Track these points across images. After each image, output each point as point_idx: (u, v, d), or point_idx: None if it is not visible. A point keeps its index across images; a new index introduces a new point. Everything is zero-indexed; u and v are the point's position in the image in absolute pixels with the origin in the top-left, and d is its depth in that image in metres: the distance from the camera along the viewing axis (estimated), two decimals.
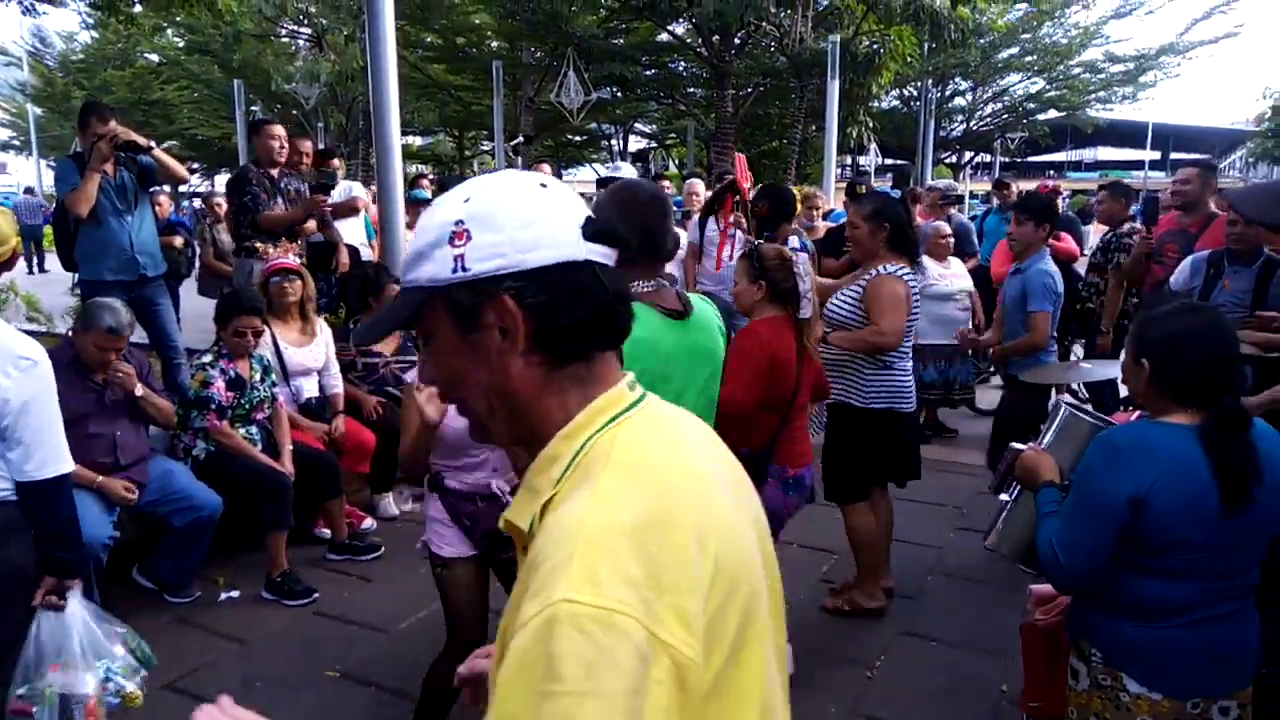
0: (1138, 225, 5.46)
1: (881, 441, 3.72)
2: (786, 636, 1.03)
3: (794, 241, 5.39)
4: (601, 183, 6.51)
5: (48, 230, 16.72)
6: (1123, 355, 2.01)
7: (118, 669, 2.72)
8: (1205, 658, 1.83)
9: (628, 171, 6.98)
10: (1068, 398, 4.35)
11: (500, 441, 1.00)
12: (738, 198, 4.99)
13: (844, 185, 11.53)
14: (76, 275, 5.05)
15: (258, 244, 5.16)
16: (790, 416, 3.14)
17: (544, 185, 0.96)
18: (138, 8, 12.01)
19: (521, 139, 8.36)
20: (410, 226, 6.32)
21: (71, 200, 4.54)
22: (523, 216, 0.91)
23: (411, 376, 2.95)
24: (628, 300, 0.97)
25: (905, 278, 3.63)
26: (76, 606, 2.63)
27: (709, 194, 6.54)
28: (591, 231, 0.93)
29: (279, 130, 5.37)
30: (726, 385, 2.99)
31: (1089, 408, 2.85)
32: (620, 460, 0.88)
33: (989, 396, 6.77)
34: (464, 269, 0.90)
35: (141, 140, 4.73)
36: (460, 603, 2.61)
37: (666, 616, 0.76)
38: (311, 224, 5.46)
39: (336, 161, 7.42)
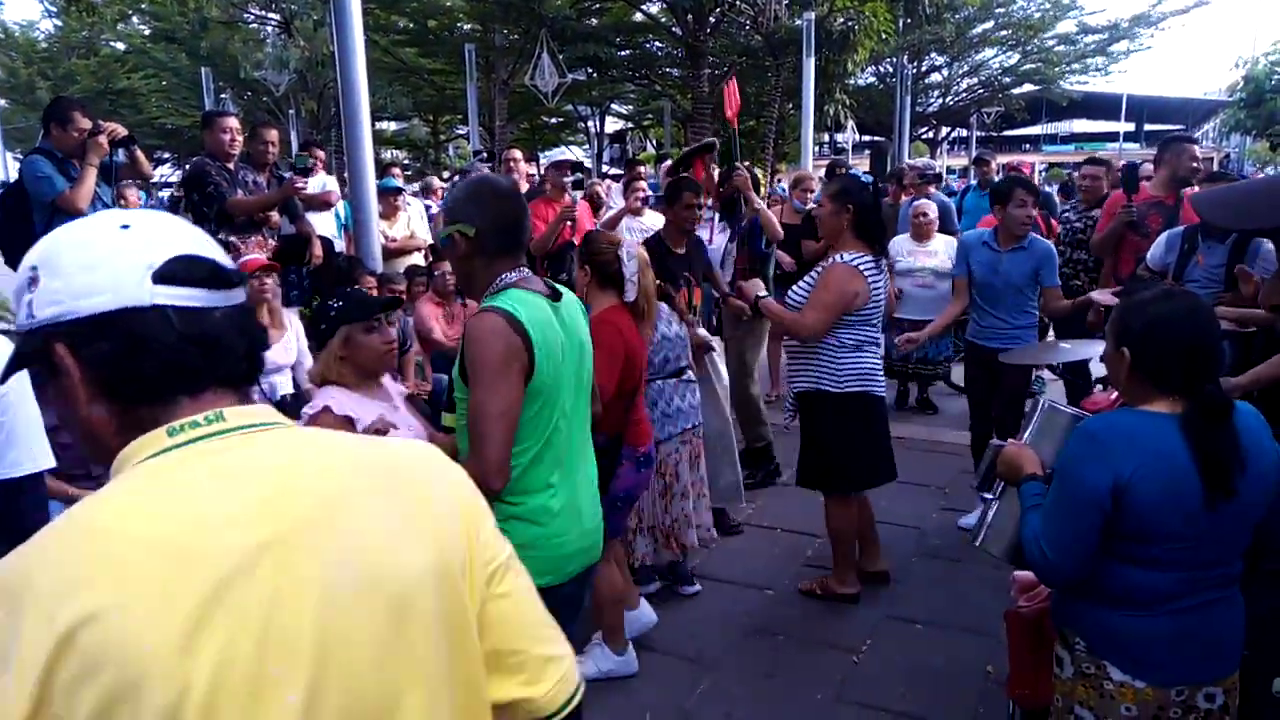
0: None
1: (861, 425, 3.72)
2: None
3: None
4: (557, 166, 6.42)
5: None
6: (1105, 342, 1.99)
7: None
8: (1189, 646, 1.82)
9: (576, 153, 6.91)
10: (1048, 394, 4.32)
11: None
12: (709, 156, 4.98)
13: (824, 164, 11.50)
14: None
15: (231, 238, 5.06)
16: (635, 400, 3.19)
17: (126, 226, 0.92)
18: None
19: (484, 154, 8.26)
20: (383, 216, 6.23)
21: (74, 197, 4.45)
22: (84, 260, 0.89)
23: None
24: (218, 345, 0.92)
25: (863, 268, 3.59)
26: None
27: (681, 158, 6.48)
28: (161, 273, 0.89)
29: (231, 122, 5.24)
30: (596, 374, 3.04)
31: (1067, 403, 2.85)
32: (65, 516, 0.84)
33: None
34: (31, 316, 0.89)
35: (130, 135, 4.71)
36: None
37: None
38: (277, 216, 5.35)
39: (319, 153, 7.28)
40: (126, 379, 0.89)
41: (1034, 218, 4.37)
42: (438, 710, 0.92)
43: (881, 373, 3.81)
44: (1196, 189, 4.89)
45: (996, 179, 7.31)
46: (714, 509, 4.48)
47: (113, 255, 0.89)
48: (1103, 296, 4.17)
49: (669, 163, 7.86)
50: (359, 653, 0.86)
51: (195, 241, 0.95)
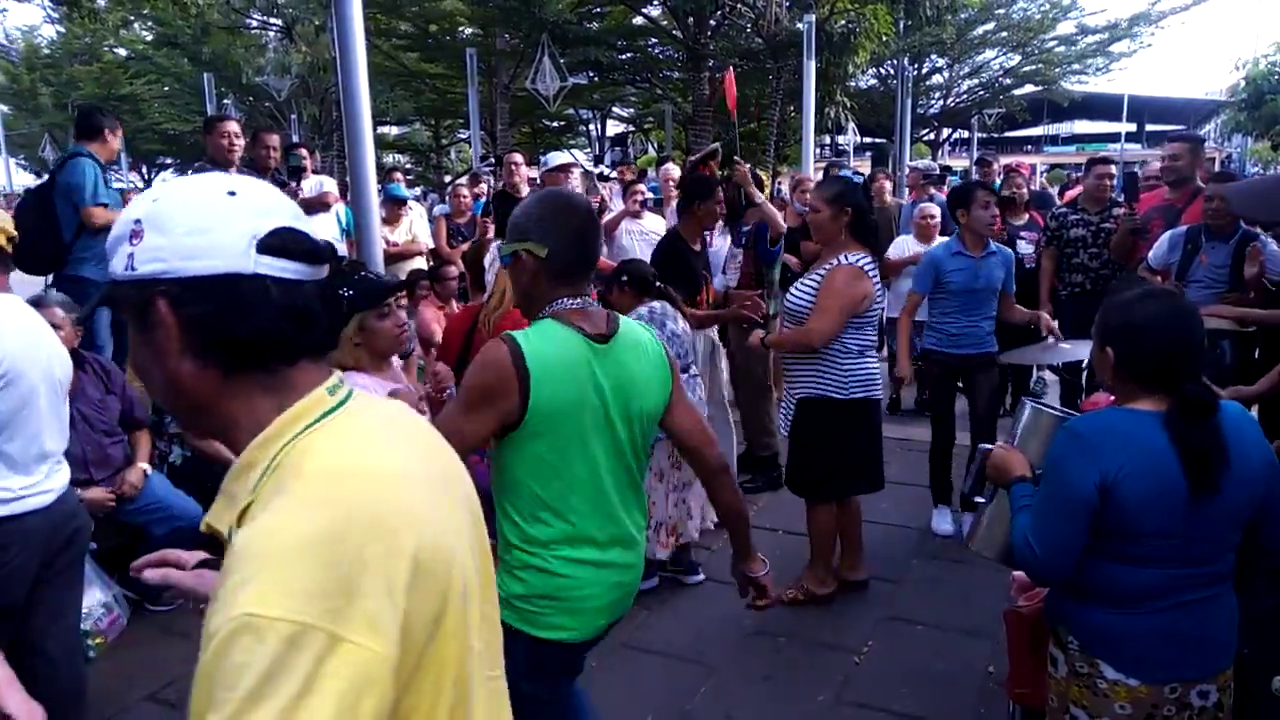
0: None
1: (862, 433, 3.72)
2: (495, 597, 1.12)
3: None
4: (557, 170, 6.43)
5: None
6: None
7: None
8: (1180, 643, 1.83)
9: (579, 156, 6.86)
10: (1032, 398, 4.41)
11: (195, 434, 1.04)
12: (714, 161, 5.08)
13: (824, 166, 11.48)
14: (53, 277, 4.97)
15: None
16: None
17: (233, 193, 0.95)
18: (101, 2, 11.81)
19: (492, 160, 8.20)
20: (386, 221, 6.24)
21: (103, 217, 4.68)
22: (193, 223, 0.92)
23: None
24: (308, 317, 0.97)
25: (866, 268, 3.59)
26: None
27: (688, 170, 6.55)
28: (265, 244, 0.93)
29: (231, 127, 5.26)
30: None
31: (1054, 402, 2.87)
32: (310, 470, 0.90)
33: None
34: (132, 268, 0.93)
35: None
36: None
37: (356, 621, 0.79)
38: None
39: (303, 151, 7.29)
40: (222, 342, 0.93)
41: (997, 218, 4.43)
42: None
43: (880, 377, 3.81)
44: (1203, 187, 4.89)
45: (999, 180, 7.34)
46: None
47: (221, 221, 0.93)
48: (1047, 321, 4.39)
49: (669, 165, 7.88)
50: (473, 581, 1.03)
51: (293, 215, 0.99)
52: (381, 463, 0.93)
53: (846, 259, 3.57)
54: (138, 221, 0.93)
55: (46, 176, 5.04)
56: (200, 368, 0.94)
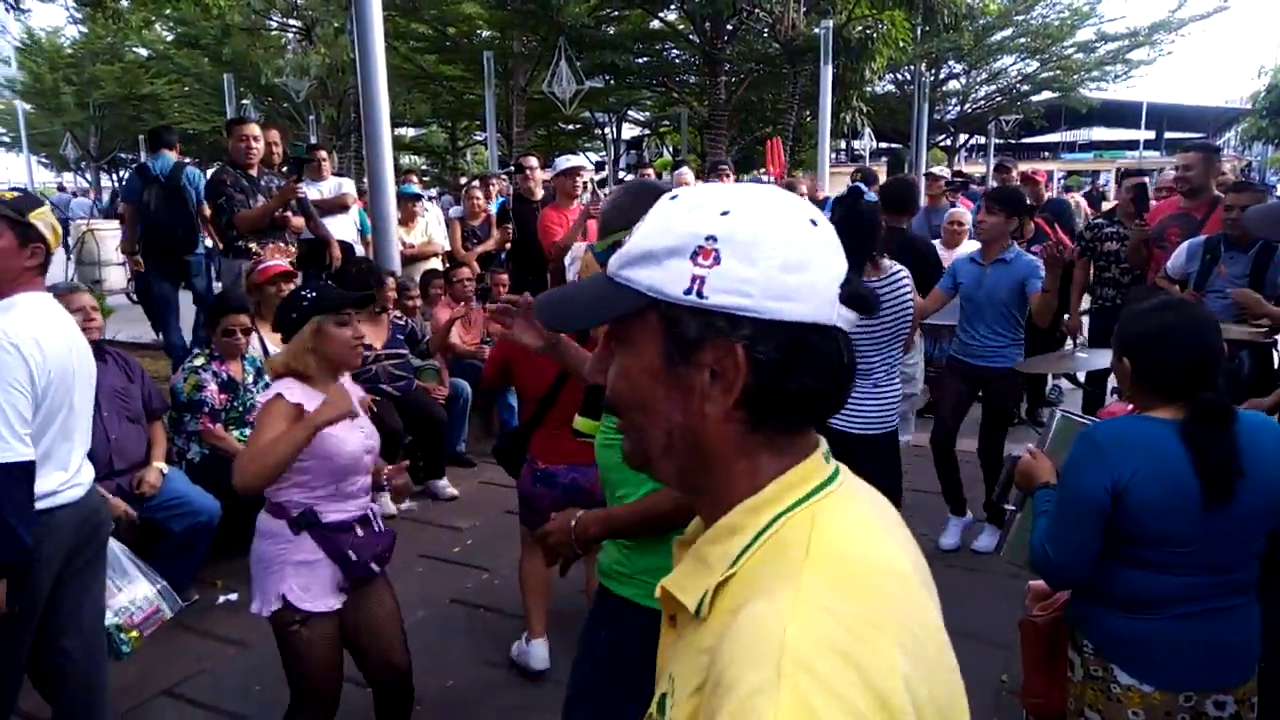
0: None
1: None
2: None
3: None
4: (566, 174, 6.36)
5: None
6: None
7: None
8: (1197, 652, 1.82)
9: (571, 162, 6.63)
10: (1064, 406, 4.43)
11: (660, 478, 0.88)
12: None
13: (840, 170, 11.48)
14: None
15: (251, 245, 5.12)
16: (543, 416, 3.13)
17: (814, 222, 0.80)
18: (124, 2, 11.94)
19: (513, 167, 8.07)
20: (401, 223, 6.27)
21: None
22: (788, 257, 0.76)
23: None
24: (853, 374, 0.83)
25: None
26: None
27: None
28: (848, 294, 0.80)
29: (251, 129, 5.31)
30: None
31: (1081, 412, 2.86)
32: (821, 553, 0.75)
33: None
34: (699, 294, 0.77)
35: None
36: (317, 664, 2.50)
37: None
38: (299, 221, 5.40)
39: (323, 153, 7.34)
40: (788, 397, 0.79)
41: (989, 224, 4.39)
42: None
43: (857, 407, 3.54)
44: (1223, 197, 4.86)
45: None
46: None
47: (816, 260, 0.78)
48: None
49: (684, 170, 7.90)
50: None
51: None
52: (894, 560, 0.79)
53: None
54: (710, 238, 0.77)
55: (166, 178, 5.80)
56: (726, 418, 0.80)
